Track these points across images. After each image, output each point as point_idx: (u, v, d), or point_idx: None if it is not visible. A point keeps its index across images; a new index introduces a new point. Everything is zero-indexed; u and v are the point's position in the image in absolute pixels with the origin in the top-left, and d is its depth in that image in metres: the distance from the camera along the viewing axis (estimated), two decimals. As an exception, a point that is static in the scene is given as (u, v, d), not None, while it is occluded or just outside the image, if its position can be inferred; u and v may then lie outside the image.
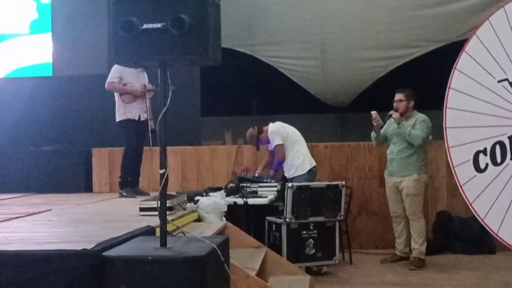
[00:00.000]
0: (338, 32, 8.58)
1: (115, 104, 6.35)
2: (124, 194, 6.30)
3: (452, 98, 5.26)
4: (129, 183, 6.37)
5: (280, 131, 6.84)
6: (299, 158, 6.75)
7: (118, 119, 6.32)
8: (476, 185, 5.10)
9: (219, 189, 6.16)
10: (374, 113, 6.37)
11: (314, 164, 6.82)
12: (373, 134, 6.57)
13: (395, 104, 6.35)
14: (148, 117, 6.27)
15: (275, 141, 6.82)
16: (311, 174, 6.72)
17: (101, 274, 2.84)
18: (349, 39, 8.61)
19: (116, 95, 6.33)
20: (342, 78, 9.04)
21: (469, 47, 5.19)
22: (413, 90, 6.46)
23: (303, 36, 8.72)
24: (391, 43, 8.59)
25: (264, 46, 9.03)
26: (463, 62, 5.18)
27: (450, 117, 5.28)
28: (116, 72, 6.23)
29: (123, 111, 6.28)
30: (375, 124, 6.40)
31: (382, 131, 6.49)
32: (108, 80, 6.27)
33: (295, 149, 6.78)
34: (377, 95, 7.83)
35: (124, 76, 6.24)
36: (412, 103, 6.36)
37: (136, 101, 6.27)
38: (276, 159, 6.85)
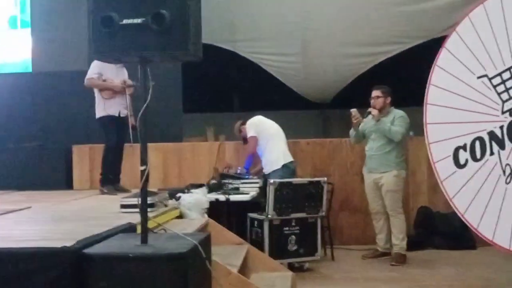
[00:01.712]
0: (319, 29, 8.59)
1: (95, 100, 6.29)
2: (105, 191, 6.26)
3: (432, 94, 5.28)
4: (110, 180, 6.32)
5: (256, 124, 6.85)
6: (273, 154, 6.71)
7: (98, 115, 6.26)
8: (456, 181, 5.14)
9: (201, 185, 6.16)
10: (353, 110, 6.41)
11: (291, 159, 6.76)
12: (351, 132, 6.61)
13: (372, 101, 6.39)
14: (129, 113, 6.22)
15: (248, 133, 6.82)
16: (286, 169, 6.64)
17: (82, 272, 2.82)
18: (330, 36, 8.63)
19: (95, 91, 6.27)
20: (323, 74, 9.06)
21: (449, 44, 5.22)
22: (390, 86, 6.49)
23: (284, 32, 8.72)
24: (372, 40, 8.62)
25: (245, 42, 9.01)
26: (443, 58, 5.21)
27: (430, 113, 5.31)
28: (95, 68, 6.17)
29: (103, 107, 6.22)
30: (355, 121, 6.43)
31: (360, 128, 6.51)
32: (87, 76, 6.21)
33: (270, 144, 6.75)
34: (360, 92, 7.85)
35: (104, 72, 6.18)
36: (389, 99, 6.40)
37: (116, 97, 6.22)
38: (247, 152, 6.89)
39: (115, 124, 6.20)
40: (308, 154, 7.42)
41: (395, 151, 6.31)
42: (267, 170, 6.74)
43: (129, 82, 6.20)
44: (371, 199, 6.48)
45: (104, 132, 6.30)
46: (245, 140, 7.01)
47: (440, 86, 5.21)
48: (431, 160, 5.36)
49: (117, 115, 6.22)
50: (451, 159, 5.14)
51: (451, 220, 6.75)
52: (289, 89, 9.29)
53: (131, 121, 6.07)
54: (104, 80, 6.22)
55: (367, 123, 6.47)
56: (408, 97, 7.07)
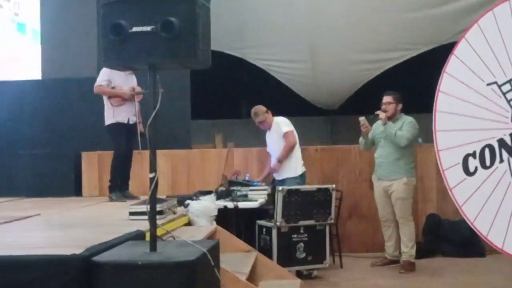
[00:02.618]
0: (328, 35, 8.60)
1: (104, 108, 6.31)
2: (114, 198, 6.27)
3: (441, 101, 5.25)
4: (118, 187, 6.33)
5: (290, 123, 6.78)
6: (293, 160, 6.68)
7: (107, 122, 6.28)
8: (465, 188, 5.09)
9: (209, 192, 6.15)
10: (362, 119, 6.40)
11: (305, 169, 6.79)
12: (361, 140, 6.59)
13: (383, 107, 6.36)
14: (137, 120, 6.24)
15: (285, 127, 6.69)
16: (302, 179, 6.66)
17: (91, 279, 2.82)
18: (339, 42, 8.63)
19: (104, 98, 6.30)
20: (332, 81, 9.07)
21: (458, 50, 5.18)
22: (400, 93, 6.48)
23: (293, 39, 8.74)
24: (380, 46, 8.63)
25: (254, 49, 9.04)
26: (452, 65, 5.17)
27: (439, 120, 5.27)
28: (104, 75, 6.19)
29: (112, 115, 6.24)
30: (364, 130, 6.42)
31: (369, 135, 6.50)
32: (97, 83, 6.23)
33: (296, 151, 6.70)
34: (368, 98, 7.84)
35: (113, 79, 6.20)
36: (400, 106, 6.39)
37: (125, 104, 6.24)
38: (287, 146, 6.63)
39: (124, 131, 6.22)
40: (316, 160, 7.41)
41: (405, 158, 6.28)
42: (282, 175, 6.69)
43: (138, 89, 6.23)
44: (380, 206, 6.45)
45: (113, 140, 6.33)
46: (261, 125, 6.84)
47: (449, 93, 5.18)
48: (440, 167, 5.32)
49: (126, 122, 6.24)
50: (460, 166, 5.10)
51: (460, 227, 6.71)
52: (297, 96, 9.30)
53: (140, 128, 6.10)
54: (113, 87, 6.24)
55: (376, 130, 6.46)
56: (416, 103, 7.05)
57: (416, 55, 8.65)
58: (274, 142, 6.81)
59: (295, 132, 6.74)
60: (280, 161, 6.65)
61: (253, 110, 6.84)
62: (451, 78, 5.18)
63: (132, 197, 6.17)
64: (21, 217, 4.91)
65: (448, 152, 5.20)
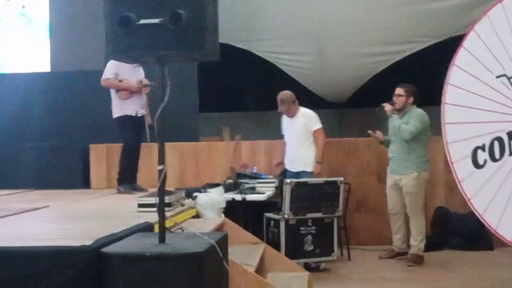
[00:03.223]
0: (335, 28, 8.56)
1: (112, 101, 6.31)
2: (122, 190, 6.27)
3: (450, 94, 5.24)
4: (127, 179, 6.35)
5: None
6: (312, 155, 6.56)
7: (115, 115, 6.27)
8: (474, 181, 5.09)
9: (217, 185, 6.16)
10: (370, 132, 6.53)
11: None
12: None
13: (394, 98, 6.34)
14: (145, 113, 6.24)
15: (317, 124, 6.59)
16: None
17: (100, 271, 2.83)
18: (346, 35, 8.59)
19: (112, 91, 6.27)
20: (339, 73, 9.03)
21: (467, 43, 5.17)
22: (414, 86, 6.43)
23: (300, 31, 8.70)
24: (388, 39, 8.58)
25: (261, 41, 9.01)
26: (461, 57, 5.16)
27: (448, 113, 5.26)
28: (111, 68, 6.16)
29: (119, 108, 6.23)
30: (377, 139, 6.53)
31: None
32: (104, 76, 6.20)
33: (312, 144, 6.61)
34: (375, 91, 7.82)
35: (120, 72, 6.16)
36: (411, 99, 6.33)
37: (133, 97, 6.21)
38: (320, 142, 6.54)
39: (132, 123, 6.21)
40: (324, 153, 7.38)
41: (415, 152, 6.24)
42: (297, 168, 6.59)
43: (146, 81, 6.21)
44: (390, 199, 6.44)
45: (121, 132, 6.31)
46: (284, 112, 6.71)
47: (458, 86, 5.17)
48: (449, 160, 5.31)
49: (134, 114, 6.23)
50: (469, 159, 5.09)
51: (468, 220, 6.70)
52: (305, 89, 9.26)
53: (148, 120, 6.09)
54: (121, 81, 6.22)
55: (390, 125, 6.42)
56: (424, 96, 7.01)
57: (424, 47, 8.60)
58: (296, 131, 6.63)
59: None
60: (320, 162, 6.53)
61: (279, 95, 6.66)
62: (460, 71, 5.17)
63: (141, 189, 6.17)
64: (30, 209, 4.93)
65: (457, 145, 5.20)
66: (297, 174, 6.45)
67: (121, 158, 6.34)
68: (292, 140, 6.69)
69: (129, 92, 6.19)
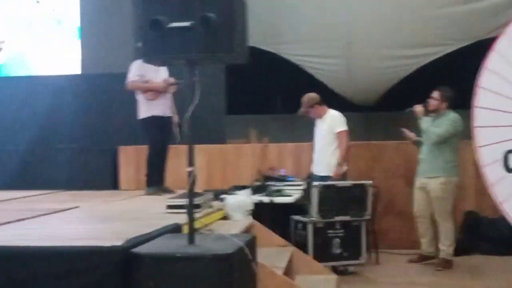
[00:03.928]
0: (363, 31, 8.53)
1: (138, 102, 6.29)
2: (151, 192, 6.28)
3: (481, 97, 5.19)
4: (155, 181, 6.37)
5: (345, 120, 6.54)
6: (335, 159, 6.46)
7: (141, 116, 6.22)
8: (505, 186, 5.03)
9: (245, 187, 6.17)
10: (404, 130, 6.49)
11: (347, 168, 6.58)
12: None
13: (428, 100, 6.29)
14: (173, 113, 6.22)
15: (342, 126, 6.47)
16: (344, 178, 6.41)
17: (130, 271, 2.86)
18: (374, 38, 8.55)
19: (138, 93, 6.25)
20: (367, 76, 8.99)
21: (498, 46, 5.12)
22: (433, 89, 6.36)
23: (328, 34, 8.68)
24: (416, 42, 8.52)
25: (289, 44, 9.00)
26: (492, 61, 5.11)
27: (479, 116, 5.21)
28: (136, 70, 6.12)
29: (146, 109, 6.19)
30: (410, 140, 6.50)
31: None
32: (129, 79, 6.18)
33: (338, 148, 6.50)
34: (403, 94, 7.77)
35: (145, 72, 6.11)
36: (444, 104, 6.24)
37: (160, 97, 6.16)
38: (343, 144, 6.39)
39: (159, 124, 6.21)
40: (351, 156, 7.32)
41: (444, 156, 6.18)
42: (320, 171, 6.51)
43: (171, 80, 6.17)
44: (416, 202, 6.39)
45: (148, 134, 6.29)
46: (307, 113, 6.65)
47: (489, 89, 5.12)
48: (479, 164, 5.26)
49: (162, 115, 6.17)
50: (500, 163, 5.03)
51: (498, 225, 6.61)
52: (332, 92, 9.24)
53: (175, 119, 6.07)
54: (147, 81, 6.18)
55: (422, 128, 6.36)
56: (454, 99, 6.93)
57: (453, 50, 8.52)
58: (322, 134, 6.58)
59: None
60: (341, 164, 6.41)
61: (303, 98, 6.64)
62: (491, 74, 5.12)
63: (169, 191, 6.19)
64: (60, 209, 5.00)
65: (488, 149, 5.15)
66: (322, 179, 6.34)
67: (148, 160, 6.35)
68: (318, 142, 6.65)
69: (156, 92, 6.16)
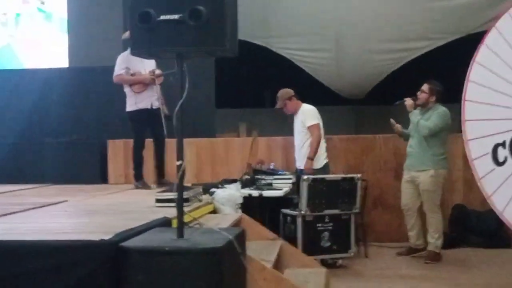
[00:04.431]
0: (352, 24, 8.52)
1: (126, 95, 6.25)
2: (139, 186, 6.29)
3: (470, 91, 5.18)
4: (140, 174, 6.31)
5: (317, 113, 6.51)
6: (320, 151, 6.46)
7: (128, 109, 6.21)
8: (494, 179, 5.03)
9: (234, 181, 6.16)
10: (392, 121, 6.48)
11: (327, 161, 6.57)
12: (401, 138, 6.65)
13: (418, 93, 6.30)
14: (161, 104, 6.17)
15: (312, 120, 6.43)
16: (325, 170, 6.42)
17: (118, 265, 2.85)
18: (363, 31, 8.55)
19: (125, 86, 6.22)
20: (356, 70, 9.00)
21: (488, 40, 5.11)
22: (423, 82, 6.38)
23: (317, 28, 8.67)
24: (406, 36, 8.53)
25: (278, 38, 8.99)
26: (482, 54, 5.10)
27: (469, 109, 5.21)
28: (122, 63, 6.11)
29: (134, 101, 6.17)
30: (395, 130, 6.50)
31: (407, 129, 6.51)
32: (115, 72, 6.16)
33: (321, 143, 6.47)
34: (393, 88, 7.78)
35: (131, 65, 6.10)
36: (433, 98, 6.27)
37: (147, 90, 6.12)
38: (314, 142, 6.32)
39: (146, 117, 6.15)
40: (341, 150, 7.37)
41: (433, 149, 6.21)
42: (300, 165, 6.55)
43: (158, 71, 6.12)
44: (404, 195, 6.42)
45: (133, 127, 6.27)
46: (283, 109, 6.63)
47: (479, 83, 5.12)
48: (469, 157, 5.27)
49: (149, 107, 6.14)
50: (489, 156, 5.04)
51: (486, 218, 6.67)
52: (322, 85, 9.25)
53: (164, 111, 6.01)
54: (133, 74, 6.15)
55: (411, 120, 6.40)
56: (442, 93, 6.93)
57: (443, 44, 8.53)
58: (297, 129, 6.62)
59: (321, 124, 6.50)
60: (311, 158, 6.35)
61: (278, 93, 6.67)
62: (481, 68, 5.12)
63: (168, 184, 6.06)
64: (48, 203, 4.97)
65: (477, 142, 5.15)
66: (302, 172, 6.33)
67: (134, 154, 6.32)
68: (296, 137, 6.67)
69: (143, 84, 6.13)
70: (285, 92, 6.64)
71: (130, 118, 6.27)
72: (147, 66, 6.16)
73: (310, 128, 6.44)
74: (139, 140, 6.28)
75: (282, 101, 6.60)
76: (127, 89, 6.23)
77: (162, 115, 5.88)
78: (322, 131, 6.52)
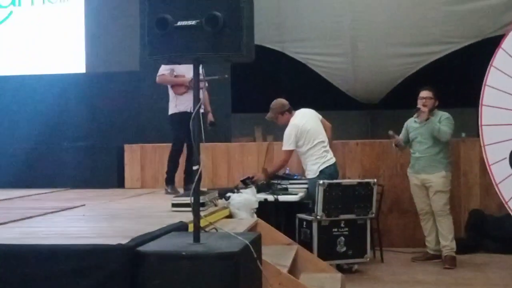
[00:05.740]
0: (368, 29, 8.51)
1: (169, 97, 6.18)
2: (169, 190, 6.11)
3: (488, 95, 5.17)
4: (172, 179, 6.19)
5: (297, 135, 6.28)
6: (310, 162, 6.31)
7: (169, 112, 6.14)
8: (512, 184, 5.02)
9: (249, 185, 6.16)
10: (391, 133, 6.46)
11: (327, 164, 6.33)
12: (395, 148, 6.66)
13: (423, 101, 6.29)
14: (206, 109, 6.07)
15: (286, 144, 6.32)
16: (324, 174, 6.19)
17: (135, 269, 2.87)
18: (379, 36, 8.53)
19: (168, 87, 6.15)
20: (372, 75, 8.97)
21: (505, 44, 5.10)
22: (440, 87, 6.40)
23: (333, 32, 8.67)
24: (422, 40, 8.49)
25: (294, 42, 9.00)
26: (499, 59, 5.09)
27: (486, 114, 5.20)
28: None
29: (174, 104, 6.10)
30: (395, 143, 6.49)
31: (401, 135, 6.52)
32: (159, 72, 6.09)
33: (313, 152, 6.31)
34: (408, 92, 7.74)
35: (176, 67, 5.99)
36: (437, 102, 6.34)
37: (188, 93, 5.94)
38: (279, 161, 6.42)
39: (186, 121, 6.05)
40: (357, 155, 7.36)
41: (443, 152, 6.28)
42: (306, 175, 6.47)
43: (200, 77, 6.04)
44: (418, 200, 6.43)
45: (173, 130, 6.16)
46: (275, 121, 6.58)
47: (496, 87, 5.10)
48: (486, 162, 5.25)
49: (189, 110, 5.86)
50: (507, 161, 5.02)
51: (504, 223, 6.61)
52: (337, 90, 9.23)
53: (209, 117, 5.96)
54: (176, 76, 6.08)
55: (410, 127, 6.44)
56: (459, 98, 6.93)
57: (459, 48, 8.49)
58: None
59: (309, 127, 6.31)
60: (267, 172, 6.37)
61: (272, 103, 6.54)
62: (498, 72, 5.11)
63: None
64: (66, 207, 5.02)
65: (495, 147, 5.13)
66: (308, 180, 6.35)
67: (170, 157, 6.19)
68: None
69: (184, 87, 6.02)
70: (279, 105, 6.50)
71: (171, 121, 6.16)
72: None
73: (282, 151, 6.40)
74: (178, 143, 6.11)
75: (274, 114, 6.51)
76: (170, 91, 6.17)
77: (207, 121, 5.84)
78: (318, 135, 6.35)
